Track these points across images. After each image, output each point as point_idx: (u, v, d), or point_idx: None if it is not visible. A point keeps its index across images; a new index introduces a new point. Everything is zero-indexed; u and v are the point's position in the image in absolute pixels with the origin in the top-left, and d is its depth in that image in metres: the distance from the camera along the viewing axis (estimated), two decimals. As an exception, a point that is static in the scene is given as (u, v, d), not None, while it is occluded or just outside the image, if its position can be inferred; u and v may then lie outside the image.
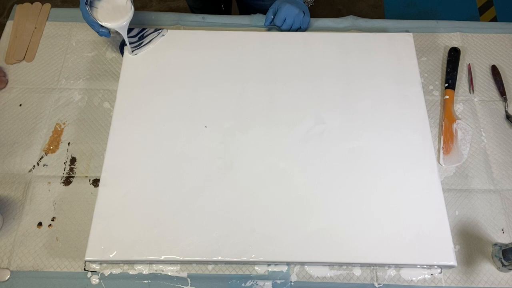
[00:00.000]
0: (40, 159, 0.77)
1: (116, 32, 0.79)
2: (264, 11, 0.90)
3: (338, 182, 0.70)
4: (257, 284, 0.67)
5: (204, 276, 0.68)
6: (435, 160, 0.73)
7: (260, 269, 0.68)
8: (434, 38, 0.91)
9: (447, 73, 0.85)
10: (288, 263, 0.68)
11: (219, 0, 1.24)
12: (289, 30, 0.87)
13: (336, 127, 0.75)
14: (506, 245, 0.66)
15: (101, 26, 0.76)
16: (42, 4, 0.93)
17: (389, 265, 0.68)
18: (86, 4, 0.74)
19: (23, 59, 0.87)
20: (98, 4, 0.77)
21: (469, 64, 0.88)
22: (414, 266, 0.67)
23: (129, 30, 0.82)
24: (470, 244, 0.71)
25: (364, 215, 0.68)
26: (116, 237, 0.66)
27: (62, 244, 0.70)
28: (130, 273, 0.68)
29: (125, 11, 0.77)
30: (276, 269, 0.68)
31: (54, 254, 0.69)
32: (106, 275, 0.68)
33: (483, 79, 0.86)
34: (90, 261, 0.67)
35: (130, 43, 0.83)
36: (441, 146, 0.78)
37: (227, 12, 1.32)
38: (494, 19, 1.87)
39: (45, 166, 0.76)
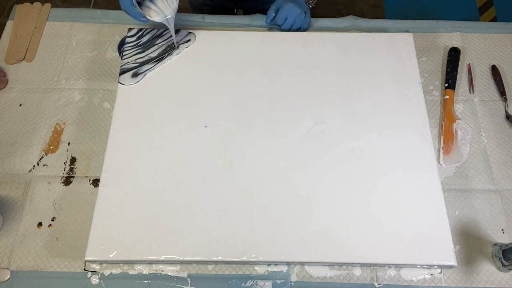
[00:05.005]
0: (40, 159, 0.77)
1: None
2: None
3: (338, 182, 0.70)
4: (257, 284, 0.67)
5: (204, 276, 0.68)
6: (435, 160, 0.73)
7: (260, 269, 0.68)
8: (434, 38, 0.91)
9: (447, 73, 0.85)
10: (288, 263, 0.68)
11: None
12: (290, 29, 0.87)
13: (336, 127, 0.75)
14: (506, 245, 0.66)
15: (143, 16, 0.76)
16: (42, 4, 0.93)
17: (389, 265, 0.68)
18: None
19: (23, 59, 0.87)
20: (145, 3, 0.78)
21: (469, 64, 0.88)
22: (414, 266, 0.67)
23: (140, 30, 0.85)
24: (470, 244, 0.70)
25: (364, 215, 0.68)
26: (116, 237, 0.66)
27: (62, 244, 0.70)
28: (130, 273, 0.68)
29: (170, 4, 0.77)
30: (276, 269, 0.68)
31: (54, 254, 0.69)
32: (106, 275, 0.68)
33: (483, 79, 0.86)
34: (90, 261, 0.67)
35: (130, 43, 0.83)
36: (441, 146, 0.78)
37: None
38: (494, 19, 1.87)
39: (45, 166, 0.76)
